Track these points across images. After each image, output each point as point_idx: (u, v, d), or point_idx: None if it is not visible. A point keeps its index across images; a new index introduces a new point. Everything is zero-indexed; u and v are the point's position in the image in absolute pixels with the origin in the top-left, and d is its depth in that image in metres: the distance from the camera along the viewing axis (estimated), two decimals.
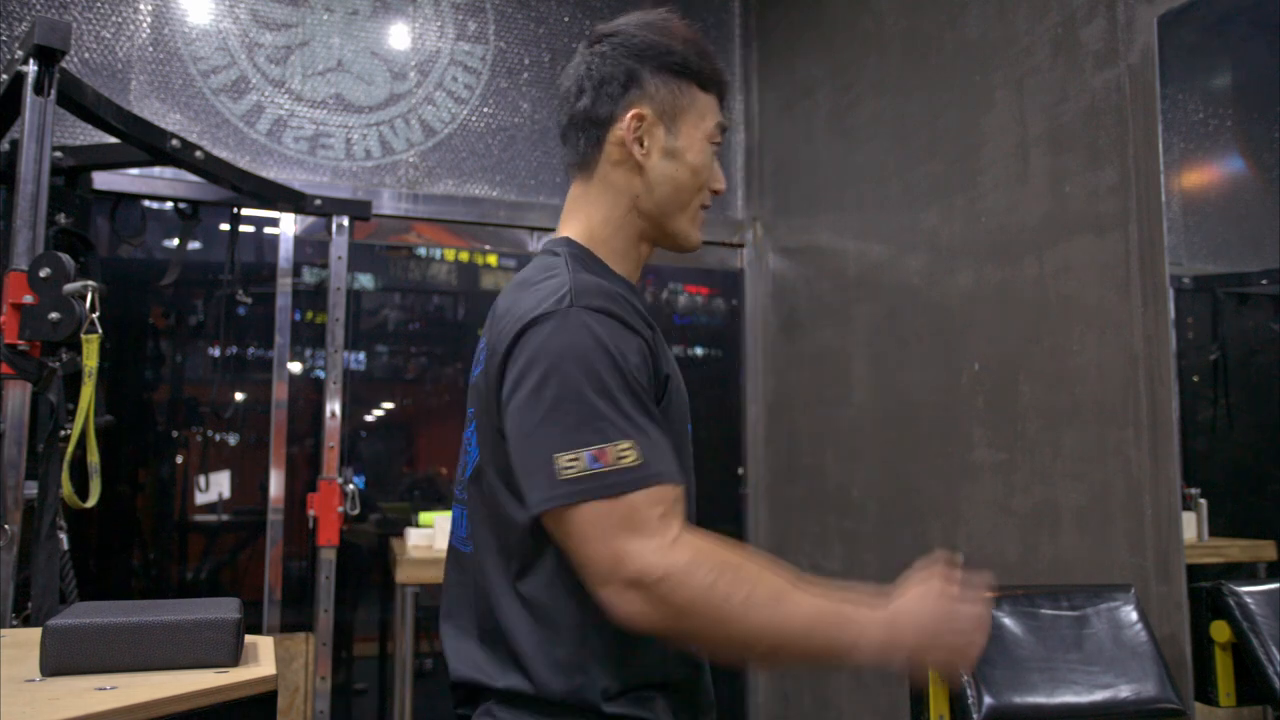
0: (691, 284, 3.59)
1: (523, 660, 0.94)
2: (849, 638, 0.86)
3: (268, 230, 2.95)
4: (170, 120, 2.79)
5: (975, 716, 1.45)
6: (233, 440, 2.98)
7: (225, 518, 2.95)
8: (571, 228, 1.08)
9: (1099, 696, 1.51)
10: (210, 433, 2.96)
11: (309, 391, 3.00)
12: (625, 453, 0.86)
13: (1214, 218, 1.86)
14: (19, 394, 1.68)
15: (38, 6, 2.71)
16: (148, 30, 2.82)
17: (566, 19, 3.26)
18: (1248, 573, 1.73)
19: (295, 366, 2.98)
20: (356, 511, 2.68)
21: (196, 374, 2.97)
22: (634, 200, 1.06)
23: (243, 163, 2.80)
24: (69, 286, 1.62)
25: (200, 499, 2.92)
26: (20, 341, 1.62)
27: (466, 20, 3.17)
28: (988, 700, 1.46)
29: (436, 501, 3.16)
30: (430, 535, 2.73)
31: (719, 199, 3.56)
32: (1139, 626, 1.61)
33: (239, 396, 2.98)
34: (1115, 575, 1.82)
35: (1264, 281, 1.79)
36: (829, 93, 2.94)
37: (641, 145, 1.04)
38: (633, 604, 0.84)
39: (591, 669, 0.93)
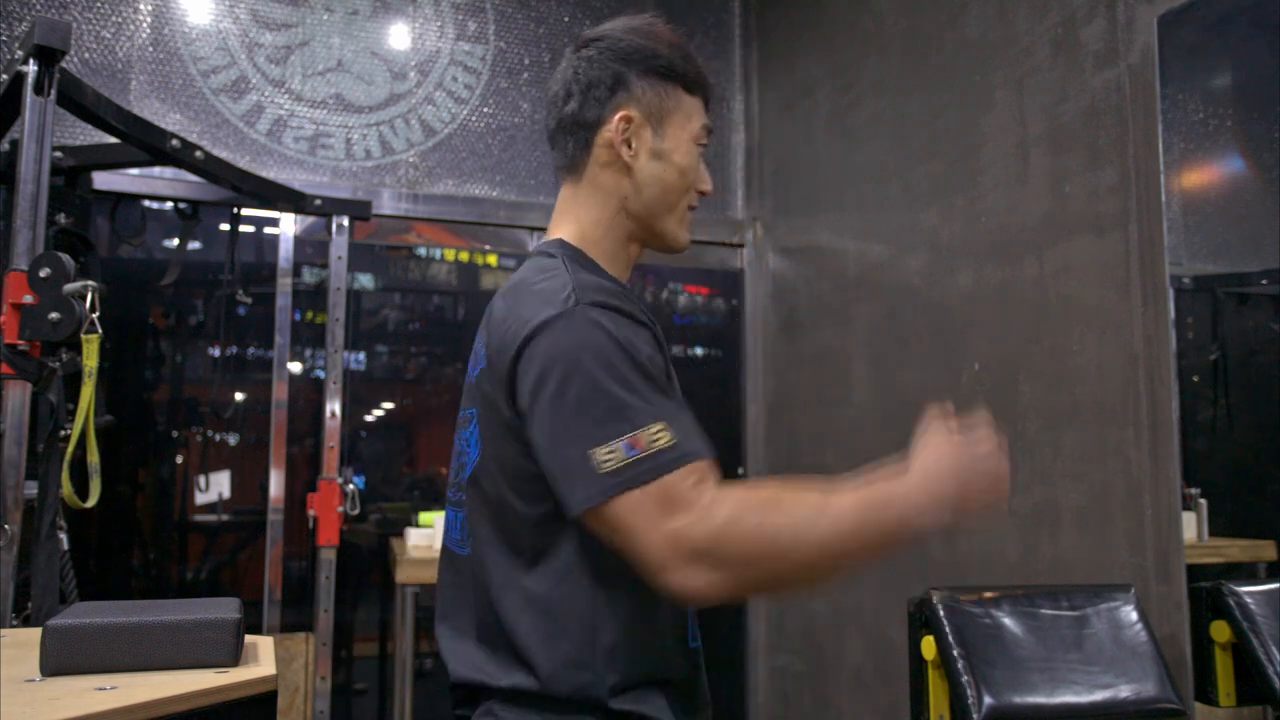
0: (691, 284, 3.59)
1: (527, 657, 0.95)
2: (897, 516, 0.88)
3: (268, 230, 2.95)
4: (170, 120, 2.79)
5: (975, 716, 1.45)
6: (233, 440, 2.98)
7: (225, 518, 2.95)
8: (563, 230, 1.09)
9: (1099, 696, 1.51)
10: (210, 433, 2.96)
11: (309, 391, 3.00)
12: (658, 435, 0.87)
13: (1214, 218, 1.86)
14: (19, 394, 1.68)
15: (38, 6, 2.71)
16: (148, 30, 2.82)
17: (566, 19, 3.26)
18: (1248, 573, 1.73)
19: (295, 366, 2.98)
20: (356, 511, 2.68)
21: (196, 374, 2.97)
22: (622, 201, 1.07)
23: (243, 163, 2.80)
24: (69, 286, 1.62)
25: (200, 499, 2.92)
26: (20, 341, 1.62)
27: (466, 20, 3.17)
28: (988, 700, 1.46)
29: (436, 501, 3.16)
30: (430, 535, 2.73)
31: (720, 199, 3.57)
32: (1139, 626, 1.61)
33: (239, 396, 2.98)
34: (1115, 575, 1.82)
35: (1264, 281, 1.79)
36: (829, 93, 2.94)
37: (629, 147, 1.06)
38: (699, 578, 0.84)
39: (598, 665, 0.94)
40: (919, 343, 2.46)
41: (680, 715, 0.99)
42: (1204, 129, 1.84)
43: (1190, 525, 1.74)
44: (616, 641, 0.95)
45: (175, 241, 2.89)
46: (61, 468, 1.66)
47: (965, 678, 1.49)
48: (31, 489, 1.69)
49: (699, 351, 3.61)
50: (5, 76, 1.86)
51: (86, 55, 2.74)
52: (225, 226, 2.76)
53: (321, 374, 2.86)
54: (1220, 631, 1.57)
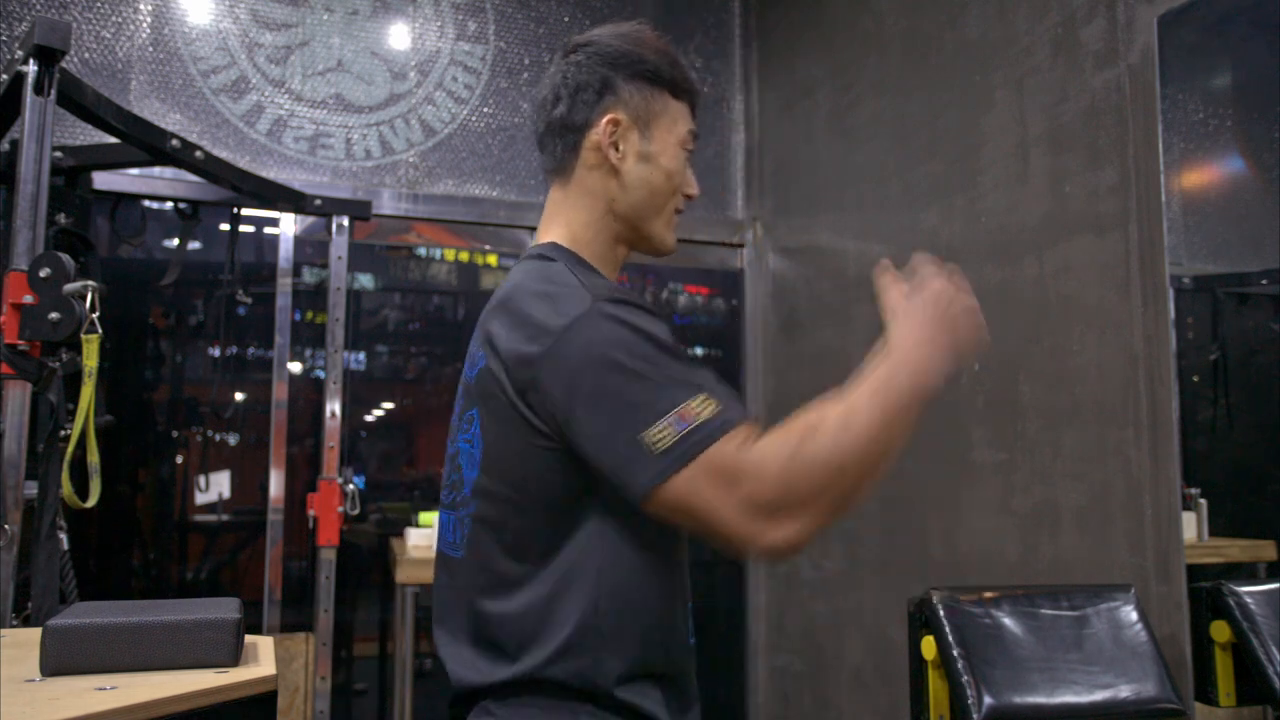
0: (691, 284, 3.60)
1: (524, 651, 0.95)
2: (909, 385, 0.95)
3: (268, 230, 2.95)
4: (170, 120, 2.79)
5: (975, 716, 1.45)
6: (233, 440, 2.98)
7: (225, 518, 2.95)
8: (554, 232, 1.10)
9: (1099, 696, 1.51)
10: (210, 433, 2.96)
11: (309, 391, 3.00)
12: (702, 406, 0.89)
13: (1214, 218, 1.86)
14: (19, 394, 1.68)
15: (38, 6, 2.71)
16: (148, 30, 2.82)
17: (566, 19, 3.26)
18: (1248, 573, 1.73)
19: (295, 366, 2.98)
20: (356, 511, 2.68)
21: (196, 374, 2.97)
22: (610, 203, 1.09)
23: (243, 163, 2.80)
24: (69, 286, 1.62)
25: (200, 499, 2.92)
26: (20, 341, 1.62)
27: (466, 20, 3.17)
28: (988, 700, 1.46)
29: (436, 501, 3.14)
30: (430, 535, 2.73)
31: (720, 199, 3.57)
32: (1139, 626, 1.61)
33: (239, 396, 2.98)
34: (1115, 575, 1.82)
35: (1264, 281, 1.79)
36: (829, 93, 2.94)
37: (617, 149, 1.07)
38: (782, 531, 0.88)
39: (599, 656, 0.95)
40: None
41: (675, 711, 1.00)
42: (1204, 129, 1.84)
43: (1190, 525, 1.74)
44: (617, 634, 0.96)
45: (175, 241, 2.89)
46: (61, 468, 1.66)
47: (965, 678, 1.49)
48: (31, 489, 1.69)
49: (699, 351, 3.61)
50: (5, 76, 1.86)
51: (86, 55, 2.74)
52: (225, 226, 2.76)
53: (321, 374, 2.86)
54: (1220, 631, 1.57)
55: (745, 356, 3.37)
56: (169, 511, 2.92)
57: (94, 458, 1.71)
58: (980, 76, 2.27)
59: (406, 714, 2.62)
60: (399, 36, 3.09)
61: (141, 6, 2.82)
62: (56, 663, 0.99)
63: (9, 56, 2.46)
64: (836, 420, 0.91)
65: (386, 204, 3.00)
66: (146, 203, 2.76)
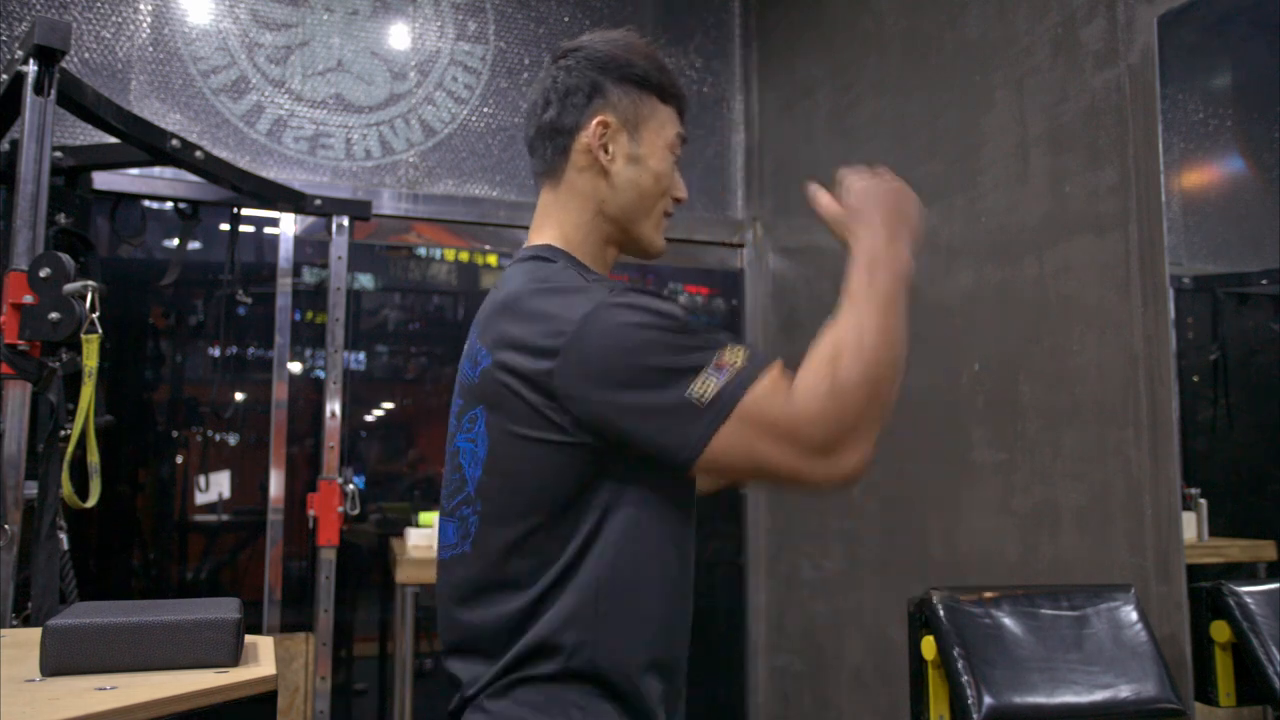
0: (691, 284, 3.59)
1: (520, 646, 0.96)
2: (892, 282, 0.98)
3: (268, 230, 2.95)
4: (170, 120, 2.79)
5: (975, 716, 1.45)
6: (233, 440, 2.98)
7: (225, 518, 2.95)
8: (546, 234, 1.12)
9: (1099, 696, 1.51)
10: (210, 433, 2.96)
11: (309, 391, 3.00)
12: (734, 354, 0.93)
13: (1214, 218, 1.86)
14: (19, 394, 1.68)
15: (38, 6, 2.71)
16: (148, 30, 2.82)
17: (566, 19, 3.26)
18: (1248, 573, 1.73)
19: (295, 366, 2.98)
20: (356, 511, 2.68)
21: (196, 374, 2.97)
22: (600, 205, 1.10)
23: (243, 163, 2.80)
24: (69, 286, 1.62)
25: (200, 499, 2.92)
26: (20, 341, 1.62)
27: (466, 20, 3.17)
28: (988, 700, 1.46)
29: (436, 501, 3.15)
30: (430, 535, 2.73)
31: (720, 199, 3.56)
32: (1139, 626, 1.61)
33: (239, 396, 2.98)
34: (1115, 575, 1.82)
35: (1264, 281, 1.79)
36: (829, 93, 2.94)
37: (606, 151, 1.09)
38: (841, 466, 0.92)
39: (594, 650, 0.96)
40: (919, 343, 2.44)
41: (669, 705, 1.02)
42: (1204, 129, 1.84)
43: (1190, 525, 1.74)
44: (617, 629, 0.97)
45: (175, 241, 2.89)
46: (61, 468, 1.66)
47: (965, 678, 1.49)
48: (31, 489, 1.69)
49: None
50: (5, 76, 1.86)
51: (86, 55, 2.74)
52: (225, 226, 2.76)
53: (321, 374, 2.86)
54: (1220, 631, 1.57)
55: None
56: (169, 511, 2.92)
57: (94, 458, 1.71)
58: (980, 76, 2.27)
59: (406, 714, 2.62)
60: (399, 36, 3.09)
61: (141, 6, 2.82)
62: (56, 663, 0.99)
63: (9, 56, 2.46)
64: (851, 342, 0.93)
65: (386, 204, 3.00)
66: (146, 203, 2.76)
